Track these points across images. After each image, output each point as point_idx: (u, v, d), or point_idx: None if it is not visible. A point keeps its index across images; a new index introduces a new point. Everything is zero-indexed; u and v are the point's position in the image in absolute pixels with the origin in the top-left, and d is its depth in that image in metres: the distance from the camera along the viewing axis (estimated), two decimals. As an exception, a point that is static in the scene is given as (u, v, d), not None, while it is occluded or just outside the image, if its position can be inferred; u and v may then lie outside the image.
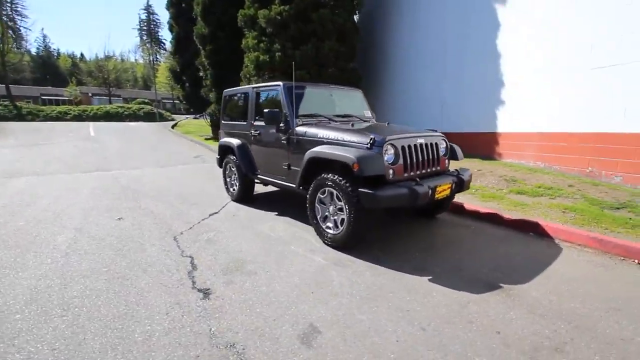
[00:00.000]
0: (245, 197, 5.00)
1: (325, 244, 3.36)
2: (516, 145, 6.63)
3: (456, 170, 3.61)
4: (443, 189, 3.23)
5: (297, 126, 3.80)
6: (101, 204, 4.96)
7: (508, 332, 1.99)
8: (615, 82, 4.94)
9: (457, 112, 8.05)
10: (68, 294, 2.43)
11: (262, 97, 4.46)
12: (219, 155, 5.45)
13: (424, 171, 3.38)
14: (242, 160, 4.75)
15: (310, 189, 3.42)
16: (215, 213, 4.53)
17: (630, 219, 3.76)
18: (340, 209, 3.15)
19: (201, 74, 14.12)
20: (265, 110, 3.89)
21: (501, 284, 2.56)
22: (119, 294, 2.41)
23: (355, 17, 10.80)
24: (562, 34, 5.67)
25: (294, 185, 3.89)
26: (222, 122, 5.46)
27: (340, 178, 3.06)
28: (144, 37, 42.28)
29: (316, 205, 3.42)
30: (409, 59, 9.87)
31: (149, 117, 28.30)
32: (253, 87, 4.61)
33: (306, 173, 3.51)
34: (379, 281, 2.61)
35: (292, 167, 3.93)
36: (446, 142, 3.71)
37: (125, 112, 28.33)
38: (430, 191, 3.01)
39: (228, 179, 5.31)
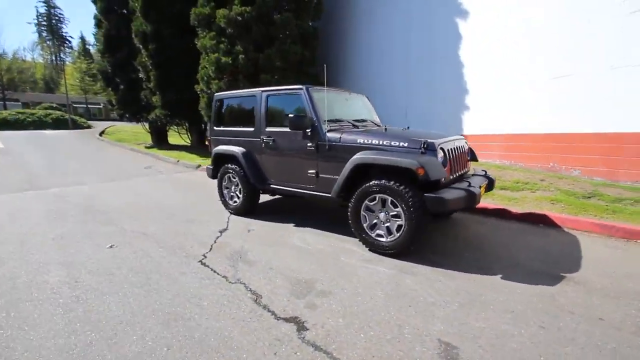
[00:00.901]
0: (251, 209, 4.60)
1: (374, 252, 3.26)
2: (483, 145, 7.35)
3: (483, 170, 3.84)
4: (482, 188, 3.40)
5: (326, 132, 3.62)
6: (69, 230, 4.06)
7: (607, 317, 2.16)
8: (570, 90, 5.82)
9: (422, 117, 8.60)
10: None
11: (275, 102, 4.15)
12: (212, 165, 4.91)
13: (458, 173, 3.52)
14: (249, 169, 4.35)
15: (355, 197, 3.28)
16: (225, 230, 4.06)
17: (606, 205, 4.44)
18: (396, 216, 3.08)
19: (140, 75, 12.66)
20: (290, 115, 3.62)
21: (561, 274, 2.77)
22: (200, 344, 1.96)
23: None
24: (522, 47, 6.47)
25: (325, 194, 3.69)
26: (214, 128, 4.94)
27: (398, 184, 3.00)
28: (44, 34, 36.31)
29: (362, 213, 3.29)
30: (371, 64, 10.24)
31: (59, 124, 24.34)
32: (262, 91, 4.25)
33: (348, 181, 3.36)
34: (460, 285, 2.60)
35: (321, 175, 3.72)
36: (468, 144, 3.92)
37: (29, 119, 23.93)
38: (480, 192, 3.14)
39: (226, 191, 4.82)
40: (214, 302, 2.40)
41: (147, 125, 15.30)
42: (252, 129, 4.35)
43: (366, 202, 3.24)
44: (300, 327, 2.10)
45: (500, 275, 2.75)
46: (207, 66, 9.56)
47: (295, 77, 10.08)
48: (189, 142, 14.27)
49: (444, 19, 7.90)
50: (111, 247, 3.52)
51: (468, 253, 3.24)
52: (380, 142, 3.27)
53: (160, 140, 15.18)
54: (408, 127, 4.27)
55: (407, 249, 3.07)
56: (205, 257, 3.24)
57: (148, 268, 2.98)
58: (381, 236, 3.20)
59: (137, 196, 5.95)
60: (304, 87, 3.82)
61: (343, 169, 3.44)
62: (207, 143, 4.94)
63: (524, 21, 6.35)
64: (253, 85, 9.87)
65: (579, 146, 5.74)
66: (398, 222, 3.07)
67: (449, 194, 2.87)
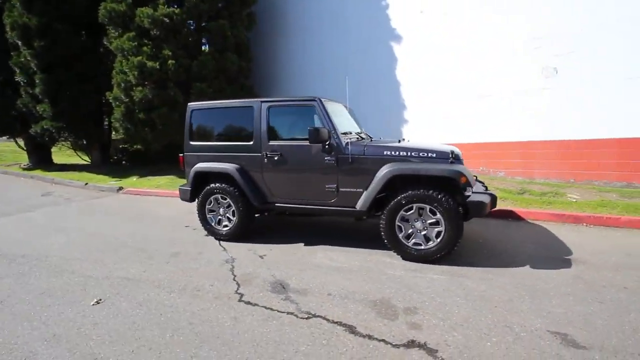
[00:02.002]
0: (245, 232, 4.08)
1: (409, 260, 3.30)
2: (422, 154, 8.26)
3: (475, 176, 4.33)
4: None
5: (346, 144, 3.53)
6: (13, 287, 2.89)
7: (629, 285, 2.69)
8: (492, 106, 7.10)
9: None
10: None
11: (279, 114, 3.82)
12: (191, 186, 4.18)
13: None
14: (248, 187, 3.87)
15: (390, 208, 3.26)
16: (233, 259, 3.50)
17: (539, 198, 5.56)
18: (434, 223, 3.21)
19: (17, 78, 9.92)
20: (310, 128, 3.40)
21: (565, 257, 3.33)
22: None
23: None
24: (450, 69, 7.60)
25: (347, 208, 3.57)
26: (190, 143, 4.24)
27: (437, 192, 3.13)
28: None
29: (398, 224, 3.30)
30: (307, 79, 10.41)
31: None
32: (262, 101, 3.85)
33: (380, 193, 3.33)
34: (512, 280, 2.83)
35: (342, 189, 3.59)
36: (457, 153, 4.39)
37: None
38: (492, 196, 3.54)
39: (211, 215, 4.16)
40: (310, 344, 2.05)
41: (22, 141, 11.98)
42: (249, 144, 3.90)
43: (402, 212, 3.28)
44: (428, 350, 1.97)
45: (528, 265, 3.15)
46: (127, 71, 8.14)
47: (230, 88, 9.50)
48: (89, 160, 11.72)
49: (381, 41, 8.68)
50: (98, 302, 2.63)
51: (486, 250, 3.60)
52: (409, 154, 3.37)
53: (42, 160, 12.08)
54: (403, 139, 4.51)
55: (444, 254, 3.22)
56: (242, 294, 2.73)
57: (181, 320, 2.34)
58: (419, 244, 3.27)
59: (62, 232, 4.61)
60: (317, 98, 3.65)
61: (371, 181, 3.41)
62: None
63: (452, 47, 7.50)
64: (185, 94, 8.86)
65: (502, 152, 7.05)
66: (437, 229, 3.20)
67: (485, 198, 3.16)
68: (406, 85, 8.43)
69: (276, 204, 3.89)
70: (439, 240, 3.19)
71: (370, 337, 2.12)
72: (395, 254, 3.43)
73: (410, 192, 3.21)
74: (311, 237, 4.14)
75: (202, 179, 4.16)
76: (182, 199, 4.36)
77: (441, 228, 3.16)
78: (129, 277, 3.11)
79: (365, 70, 9.03)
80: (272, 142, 3.82)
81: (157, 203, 6.87)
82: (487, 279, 2.89)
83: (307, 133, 3.42)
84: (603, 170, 5.92)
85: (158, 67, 8.08)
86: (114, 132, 13.30)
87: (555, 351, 1.94)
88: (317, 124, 3.66)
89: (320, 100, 3.65)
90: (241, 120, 3.99)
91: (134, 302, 2.63)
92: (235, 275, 3.10)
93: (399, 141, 3.82)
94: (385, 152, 3.44)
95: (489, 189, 3.98)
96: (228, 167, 3.94)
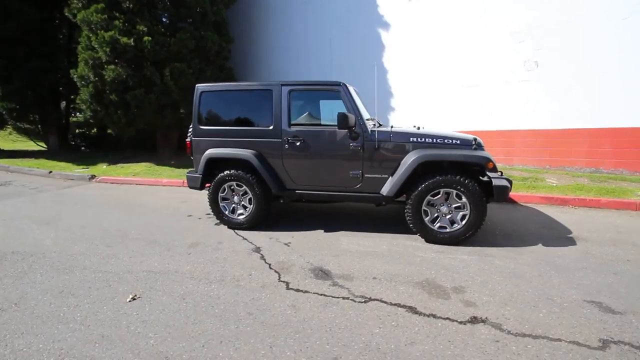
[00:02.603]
0: (261, 220, 3.98)
1: (433, 243, 3.44)
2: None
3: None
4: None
5: (372, 130, 3.54)
6: (20, 287, 2.57)
7: (631, 258, 3.05)
8: (477, 97, 7.47)
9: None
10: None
11: (300, 98, 3.71)
12: (201, 172, 3.95)
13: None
14: (267, 174, 3.75)
15: (418, 193, 3.35)
16: (259, 248, 3.40)
17: (522, 183, 6.02)
18: (459, 207, 3.36)
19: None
20: (339, 113, 3.36)
21: (567, 236, 3.67)
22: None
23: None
24: (437, 60, 7.83)
25: (371, 194, 3.61)
26: (200, 128, 3.98)
27: (464, 177, 3.27)
28: None
29: (424, 208, 3.41)
30: (291, 62, 10.15)
31: None
32: (282, 84, 3.70)
33: (409, 178, 3.40)
34: (532, 257, 3.08)
35: (366, 175, 3.61)
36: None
37: None
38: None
39: (224, 203, 3.98)
40: (381, 326, 2.07)
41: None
42: (268, 129, 3.75)
43: (429, 197, 3.39)
44: (493, 324, 2.10)
45: (541, 244, 3.43)
46: (96, 47, 7.34)
47: (210, 69, 9.01)
48: (45, 146, 10.52)
49: (368, 27, 8.68)
50: (134, 298, 2.44)
51: (497, 231, 3.86)
52: (434, 140, 3.47)
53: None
54: (418, 127, 4.59)
55: (468, 237, 3.40)
56: (287, 282, 2.68)
57: (238, 311, 2.25)
58: (444, 228, 3.42)
59: (47, 225, 4.18)
60: (342, 83, 3.59)
61: (397, 167, 3.48)
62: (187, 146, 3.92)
63: (439, 38, 7.71)
64: (162, 73, 8.20)
65: (485, 140, 7.46)
66: (462, 213, 3.36)
67: (506, 183, 3.36)
68: (393, 73, 8.56)
69: (296, 191, 3.83)
70: (463, 223, 3.35)
71: (434, 316, 2.20)
72: (417, 237, 3.57)
73: (438, 177, 3.32)
74: (327, 223, 4.14)
75: (214, 165, 3.95)
76: (191, 187, 4.12)
77: (466, 211, 3.33)
78: (154, 271, 2.91)
79: (352, 56, 9.01)
80: (293, 128, 3.71)
81: (140, 192, 6.42)
82: (512, 258, 3.11)
83: (335, 118, 3.38)
84: (575, 157, 6.56)
85: (133, 44, 7.38)
86: (74, 115, 12.04)
87: (598, 317, 2.17)
88: (341, 109, 3.61)
89: (346, 85, 3.60)
90: (258, 104, 3.82)
91: (176, 296, 2.47)
92: (269, 264, 3.03)
93: (418, 128, 3.90)
94: (411, 139, 3.50)
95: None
96: (246, 153, 3.77)
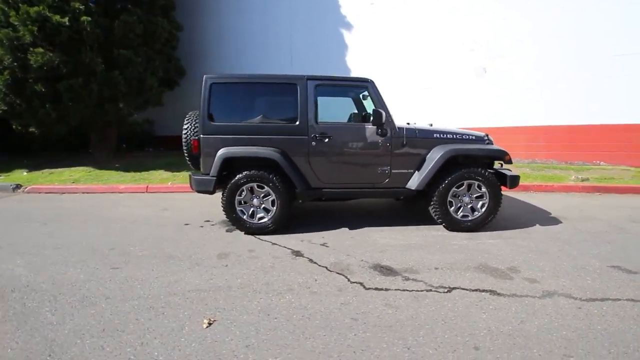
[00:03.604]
0: (285, 222, 3.74)
1: (455, 231, 3.71)
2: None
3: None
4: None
5: (399, 127, 3.64)
6: (54, 325, 1.96)
7: (626, 228, 3.76)
8: (434, 99, 8.19)
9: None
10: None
11: (327, 93, 3.60)
12: (215, 174, 3.52)
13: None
14: (294, 173, 3.54)
15: (445, 185, 3.57)
16: (299, 252, 3.21)
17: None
18: (480, 196, 3.68)
19: None
20: (374, 109, 3.38)
21: (554, 216, 4.32)
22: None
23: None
24: (398, 63, 8.34)
25: (397, 189, 3.72)
26: (211, 124, 3.54)
27: (484, 170, 3.60)
28: None
29: (449, 199, 3.64)
30: (247, 54, 9.65)
31: None
32: (307, 78, 3.51)
33: (438, 172, 3.58)
34: (539, 237, 3.54)
35: (394, 171, 3.69)
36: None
37: None
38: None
39: (241, 206, 3.62)
40: (484, 312, 2.17)
41: None
42: (293, 125, 3.55)
43: (454, 188, 3.64)
44: (565, 295, 2.37)
45: (538, 225, 3.97)
46: (16, 24, 5.87)
47: (160, 59, 8.05)
48: None
49: (330, 25, 8.78)
50: (210, 323, 2.08)
51: (499, 217, 4.33)
52: (454, 136, 3.74)
53: None
54: (431, 124, 4.77)
55: (489, 223, 3.74)
56: (361, 282, 2.60)
57: (353, 319, 2.11)
58: (466, 216, 3.71)
59: (9, 251, 3.27)
60: (369, 79, 3.60)
61: (421, 162, 3.65)
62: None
63: (400, 41, 8.23)
64: (106, 63, 6.98)
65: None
66: (482, 202, 3.70)
67: (516, 173, 3.80)
68: (356, 72, 8.82)
69: (323, 190, 3.71)
70: (483, 210, 3.70)
71: (516, 295, 2.39)
72: (437, 226, 3.81)
73: (463, 170, 3.59)
74: (346, 221, 4.12)
75: (230, 166, 3.57)
76: (200, 191, 3.65)
77: (486, 200, 3.68)
78: (201, 289, 2.52)
79: (313, 53, 9.01)
80: (321, 124, 3.58)
81: (98, 202, 5.43)
82: (527, 238, 3.55)
83: (366, 115, 3.40)
84: (515, 151, 7.71)
85: (68, 23, 6.11)
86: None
87: (627, 277, 2.63)
88: (368, 105, 3.63)
89: (373, 82, 3.62)
90: (281, 99, 3.59)
91: (256, 313, 2.19)
92: (325, 267, 2.89)
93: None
94: (434, 135, 3.71)
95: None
96: (270, 151, 3.50)
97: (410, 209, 4.77)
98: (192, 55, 9.88)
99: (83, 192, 6.00)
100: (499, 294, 2.42)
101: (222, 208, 3.64)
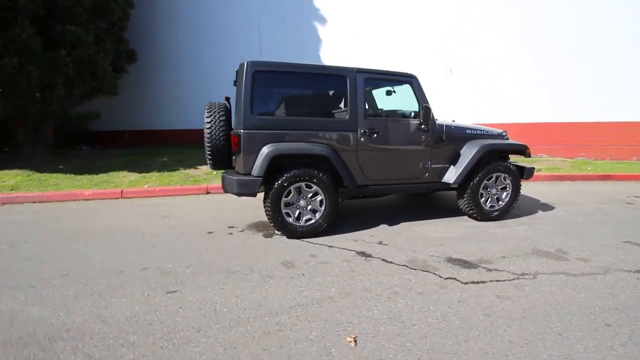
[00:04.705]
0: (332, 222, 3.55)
1: (483, 220, 3.99)
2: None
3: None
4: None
5: (439, 123, 3.74)
6: None
7: (607, 210, 4.45)
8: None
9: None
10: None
11: (373, 87, 3.48)
12: (261, 173, 3.13)
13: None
14: (345, 171, 3.36)
15: (479, 178, 3.79)
16: (364, 253, 3.08)
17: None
18: (504, 187, 3.99)
19: None
20: (425, 105, 3.41)
21: (542, 202, 4.95)
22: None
23: None
24: (371, 61, 8.51)
25: (435, 183, 3.84)
26: (256, 117, 3.13)
27: (509, 163, 3.92)
28: None
29: (481, 191, 3.88)
30: (205, 39, 8.82)
31: None
32: (357, 71, 3.33)
33: (474, 167, 3.76)
34: (556, 221, 4.00)
35: (433, 166, 3.78)
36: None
37: None
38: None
39: (287, 208, 3.31)
40: (583, 292, 2.37)
41: None
42: (343, 120, 3.36)
43: (485, 181, 3.89)
44: (617, 269, 2.73)
45: (540, 211, 4.49)
46: None
47: (111, 40, 6.86)
48: None
49: (303, 16, 8.53)
50: (355, 340, 1.87)
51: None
52: (482, 132, 3.99)
53: None
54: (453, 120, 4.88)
55: (510, 211, 4.10)
56: (454, 278, 2.61)
57: (474, 316, 2.09)
58: (493, 206, 4.00)
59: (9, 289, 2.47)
60: (414, 75, 3.59)
61: (456, 156, 3.83)
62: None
63: (374, 39, 8.43)
64: (47, 40, 5.59)
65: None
66: (505, 192, 4.03)
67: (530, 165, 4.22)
68: (331, 67, 8.77)
69: (369, 187, 3.61)
70: (507, 200, 4.04)
71: (586, 274, 2.67)
72: (464, 217, 4.06)
73: (493, 164, 3.86)
74: (376, 218, 4.08)
75: (276, 163, 3.22)
76: (241, 194, 3.23)
77: (509, 191, 4.02)
78: (302, 304, 2.24)
79: (286, 44, 8.67)
80: (369, 119, 3.47)
81: (62, 213, 4.43)
82: (543, 223, 3.98)
83: (414, 110, 3.49)
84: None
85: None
86: None
87: (642, 251, 3.19)
88: (410, 99, 3.64)
89: (417, 77, 3.64)
90: (328, 91, 3.36)
91: (388, 323, 2.03)
92: (406, 265, 2.83)
93: (453, 121, 4.33)
94: (467, 131, 3.91)
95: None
96: (323, 147, 3.27)
97: (421, 202, 4.96)
98: (145, 37, 8.63)
99: (32, 202, 4.78)
100: (573, 275, 2.67)
101: (266, 211, 3.29)
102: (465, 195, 3.87)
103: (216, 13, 8.63)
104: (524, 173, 4.10)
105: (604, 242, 3.37)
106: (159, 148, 8.61)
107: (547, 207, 4.68)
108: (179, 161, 7.12)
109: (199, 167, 6.69)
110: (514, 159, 4.53)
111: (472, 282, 2.56)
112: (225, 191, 3.44)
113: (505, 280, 2.60)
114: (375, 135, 3.50)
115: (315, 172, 3.29)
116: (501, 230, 3.71)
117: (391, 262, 2.89)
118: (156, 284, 2.50)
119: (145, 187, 5.41)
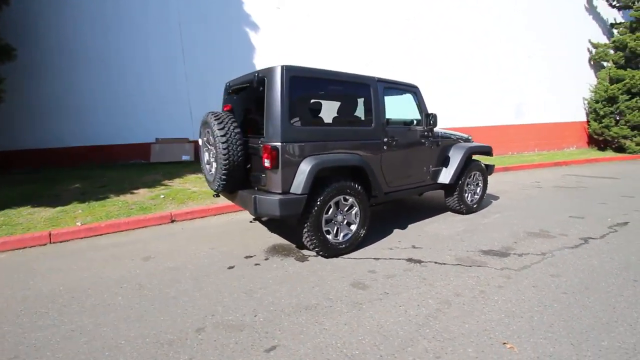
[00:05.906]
0: (364, 232, 3.43)
1: (468, 214, 4.52)
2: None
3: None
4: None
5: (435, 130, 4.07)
6: None
7: (535, 196, 5.57)
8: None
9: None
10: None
11: (388, 95, 3.48)
12: (307, 190, 2.78)
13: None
14: (374, 180, 3.30)
15: (464, 177, 4.29)
16: (420, 261, 3.09)
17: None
18: (477, 184, 4.61)
19: None
20: (431, 113, 3.66)
21: (524, 191, 5.90)
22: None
23: None
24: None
25: (434, 184, 4.16)
26: (295, 127, 2.77)
27: (482, 163, 4.56)
28: None
29: (465, 188, 4.38)
30: (113, 44, 7.34)
31: None
32: (377, 80, 3.29)
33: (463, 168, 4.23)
34: (530, 208, 4.89)
35: (432, 169, 4.08)
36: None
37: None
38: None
39: (327, 225, 3.03)
40: (616, 272, 2.96)
41: None
42: (369, 128, 3.30)
43: (467, 179, 4.42)
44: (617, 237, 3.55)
45: (518, 189, 5.40)
46: None
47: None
48: None
49: (233, 22, 7.99)
50: (510, 346, 1.86)
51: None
52: (460, 137, 4.53)
53: None
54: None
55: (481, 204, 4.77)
56: (505, 267, 2.90)
57: (566, 299, 2.37)
58: (473, 200, 4.58)
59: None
60: (416, 85, 3.79)
61: (446, 159, 4.25)
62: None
63: (308, 48, 8.52)
64: None
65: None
66: (479, 188, 4.66)
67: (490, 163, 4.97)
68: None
69: (390, 194, 3.64)
70: (480, 194, 4.68)
71: (597, 248, 3.30)
72: (449, 213, 4.56)
73: (472, 164, 4.43)
74: (383, 223, 4.16)
75: (319, 177, 2.92)
76: (284, 215, 2.78)
77: (481, 186, 4.68)
78: (419, 323, 2.13)
79: (213, 50, 7.94)
80: (389, 127, 3.51)
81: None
82: (506, 210, 4.77)
83: (417, 118, 3.76)
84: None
85: None
86: None
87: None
88: (413, 108, 3.87)
89: (419, 88, 3.87)
90: (355, 99, 3.25)
91: (536, 332, 2.12)
92: (459, 264, 2.98)
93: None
94: (452, 136, 4.38)
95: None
96: (358, 158, 3.13)
97: (402, 203, 5.28)
98: (28, 39, 6.51)
99: None
100: (571, 247, 3.32)
101: (305, 232, 2.94)
102: (455, 193, 4.33)
103: (130, 10, 7.22)
104: (488, 170, 4.86)
105: (559, 219, 4.27)
106: (57, 171, 6.58)
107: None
108: (100, 187, 5.59)
109: (135, 191, 5.42)
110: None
111: (523, 268, 2.88)
112: (260, 215, 2.93)
113: (539, 262, 3.02)
114: (394, 142, 3.58)
115: (352, 183, 3.15)
116: (488, 221, 4.29)
117: (444, 264, 3.00)
118: (236, 346, 1.94)
119: (78, 224, 4.06)
